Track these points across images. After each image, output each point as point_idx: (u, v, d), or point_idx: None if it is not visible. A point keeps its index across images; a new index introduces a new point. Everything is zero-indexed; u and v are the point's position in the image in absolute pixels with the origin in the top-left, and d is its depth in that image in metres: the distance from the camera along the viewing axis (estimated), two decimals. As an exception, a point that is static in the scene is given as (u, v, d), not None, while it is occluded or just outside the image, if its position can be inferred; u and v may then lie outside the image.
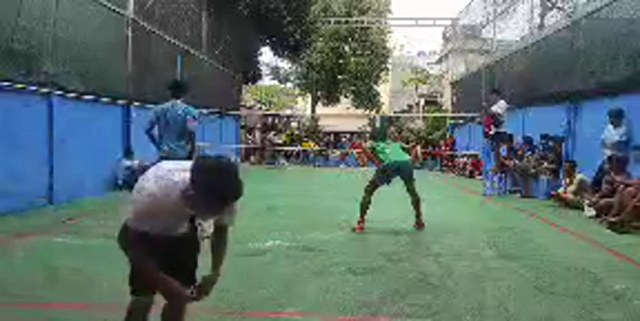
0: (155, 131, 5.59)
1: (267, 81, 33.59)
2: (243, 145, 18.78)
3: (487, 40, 15.75)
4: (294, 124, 28.94)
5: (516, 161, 10.01)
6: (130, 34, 9.42)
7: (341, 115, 30.93)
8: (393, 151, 5.96)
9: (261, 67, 23.89)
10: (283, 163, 18.53)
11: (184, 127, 5.43)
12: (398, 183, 5.98)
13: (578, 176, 7.78)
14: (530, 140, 10.28)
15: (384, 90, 35.16)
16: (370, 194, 5.83)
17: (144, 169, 7.98)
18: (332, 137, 25.93)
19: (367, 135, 22.57)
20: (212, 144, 14.90)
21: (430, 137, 20.23)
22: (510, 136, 10.74)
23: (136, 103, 9.81)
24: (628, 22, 7.27)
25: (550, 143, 9.40)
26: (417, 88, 33.59)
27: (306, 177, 13.95)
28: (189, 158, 5.33)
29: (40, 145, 7.01)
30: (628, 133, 7.10)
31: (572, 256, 4.68)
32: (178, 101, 5.49)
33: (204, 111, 12.34)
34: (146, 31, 10.18)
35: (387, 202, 8.33)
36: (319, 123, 27.83)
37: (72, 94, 7.66)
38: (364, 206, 5.80)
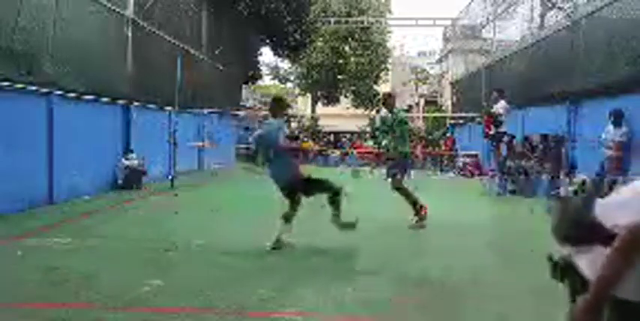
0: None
1: (267, 81, 33.62)
2: (243, 145, 18.76)
3: (487, 40, 15.75)
4: (294, 124, 28.96)
5: (516, 161, 10.01)
6: (130, 34, 9.42)
7: (341, 115, 30.93)
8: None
9: (261, 67, 23.89)
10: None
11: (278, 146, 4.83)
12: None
13: (579, 176, 7.78)
14: (530, 140, 10.29)
15: (384, 90, 35.15)
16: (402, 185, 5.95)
17: (144, 172, 7.91)
18: (332, 137, 25.95)
19: (367, 134, 22.55)
20: (212, 144, 14.90)
21: (430, 137, 20.23)
22: (510, 136, 10.77)
23: (136, 103, 9.82)
24: (628, 22, 7.27)
25: (552, 143, 9.39)
26: (417, 88, 33.59)
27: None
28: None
29: (40, 145, 7.01)
30: (628, 133, 7.11)
31: (572, 256, 4.68)
32: (274, 120, 4.95)
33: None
34: (146, 31, 10.18)
35: (386, 202, 8.33)
36: (319, 123, 27.84)
37: (72, 94, 7.66)
38: (412, 198, 5.92)
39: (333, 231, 5.66)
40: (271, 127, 4.88)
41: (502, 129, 9.31)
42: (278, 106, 5.10)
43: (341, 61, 27.82)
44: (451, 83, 20.89)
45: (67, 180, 7.55)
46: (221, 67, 15.91)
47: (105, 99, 8.69)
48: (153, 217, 6.45)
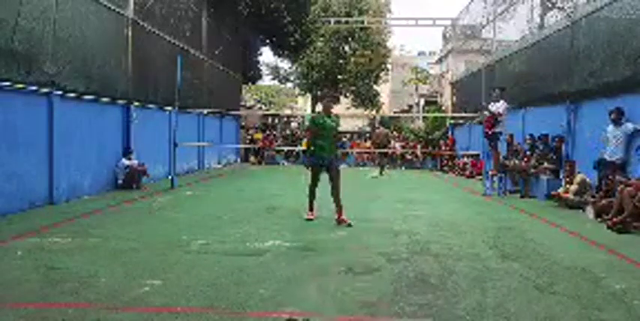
0: None
1: (267, 81, 33.62)
2: (243, 145, 18.77)
3: (487, 40, 15.75)
4: (294, 124, 28.95)
5: (516, 161, 10.01)
6: (130, 34, 9.42)
7: (341, 115, 30.92)
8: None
9: (261, 67, 23.90)
10: (283, 164, 18.54)
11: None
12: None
13: (579, 176, 7.78)
14: (532, 139, 10.29)
15: (384, 90, 35.17)
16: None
17: (144, 172, 8.07)
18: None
19: (367, 134, 22.58)
20: (212, 143, 14.91)
21: (430, 137, 20.21)
22: (509, 136, 10.77)
23: (136, 103, 9.82)
24: (628, 22, 7.27)
25: (554, 142, 9.38)
26: (417, 88, 33.59)
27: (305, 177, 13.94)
28: None
29: (40, 145, 7.01)
30: (626, 129, 7.15)
31: (572, 256, 4.68)
32: None
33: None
34: (146, 31, 10.18)
35: (386, 202, 8.33)
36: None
37: (72, 94, 7.66)
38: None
39: (334, 231, 5.68)
40: None
41: (498, 129, 9.31)
42: None
43: (341, 61, 27.82)
44: (451, 83, 20.89)
45: (67, 180, 7.55)
46: (221, 67, 15.91)
47: (105, 99, 8.69)
48: (153, 217, 6.46)
